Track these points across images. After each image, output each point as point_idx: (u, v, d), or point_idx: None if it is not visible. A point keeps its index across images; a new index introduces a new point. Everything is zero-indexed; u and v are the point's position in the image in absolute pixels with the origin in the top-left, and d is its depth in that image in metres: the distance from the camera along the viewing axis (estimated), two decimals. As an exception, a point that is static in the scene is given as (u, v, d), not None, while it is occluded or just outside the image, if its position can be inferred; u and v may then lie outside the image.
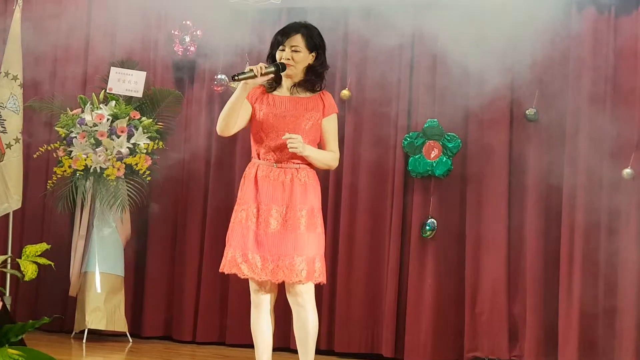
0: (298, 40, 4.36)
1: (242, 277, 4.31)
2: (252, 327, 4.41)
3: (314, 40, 4.40)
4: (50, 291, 6.77)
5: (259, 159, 4.40)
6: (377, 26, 6.26)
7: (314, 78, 4.40)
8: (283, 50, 4.37)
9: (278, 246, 4.24)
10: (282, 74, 4.39)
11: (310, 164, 4.38)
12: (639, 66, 5.74)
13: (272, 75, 4.35)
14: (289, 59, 4.35)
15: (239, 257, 4.28)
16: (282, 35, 4.41)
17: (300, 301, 4.27)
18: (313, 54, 4.40)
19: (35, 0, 7.05)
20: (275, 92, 4.44)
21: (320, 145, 4.44)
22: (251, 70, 4.28)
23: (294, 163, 4.34)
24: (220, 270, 4.39)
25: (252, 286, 4.37)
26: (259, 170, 4.38)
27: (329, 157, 4.42)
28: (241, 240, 4.30)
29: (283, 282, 4.31)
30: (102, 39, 6.89)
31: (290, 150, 4.25)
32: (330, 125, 4.42)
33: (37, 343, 4.40)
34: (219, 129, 4.42)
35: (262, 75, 4.29)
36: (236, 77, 4.29)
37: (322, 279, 4.30)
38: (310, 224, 4.28)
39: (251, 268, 4.25)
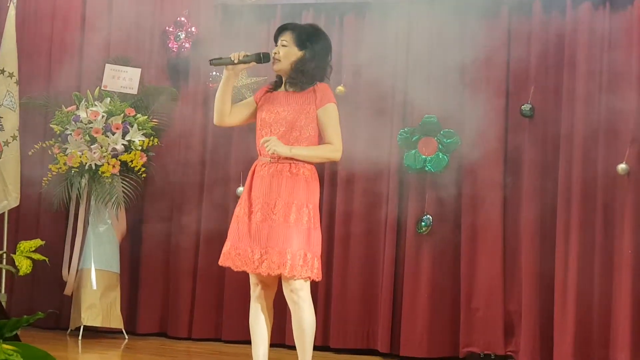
0: (287, 36, 4.41)
1: (235, 269, 4.35)
2: (250, 321, 4.44)
3: (303, 38, 4.40)
4: (46, 288, 6.76)
5: (260, 155, 4.43)
6: (372, 22, 6.27)
7: (297, 75, 4.38)
8: (277, 45, 4.43)
9: (266, 239, 4.25)
10: (273, 69, 4.43)
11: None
12: (634, 61, 5.75)
13: (252, 63, 4.40)
14: (275, 53, 4.40)
15: (232, 250, 4.34)
16: (277, 32, 4.49)
17: (295, 299, 4.26)
18: (302, 52, 4.39)
19: (30, -2, 7.05)
20: (276, 90, 4.48)
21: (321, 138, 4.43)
22: (229, 57, 4.35)
23: (287, 158, 4.33)
24: (218, 264, 4.44)
25: (252, 280, 4.41)
26: (257, 166, 4.42)
27: (324, 151, 4.38)
28: (235, 234, 4.35)
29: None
30: (96, 35, 6.88)
31: (268, 152, 4.28)
32: (325, 116, 4.36)
33: (33, 340, 4.39)
34: (214, 119, 4.53)
35: (239, 62, 4.35)
36: (213, 62, 4.37)
37: (308, 274, 4.25)
38: (298, 218, 4.27)
39: (243, 260, 4.29)
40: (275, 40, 4.45)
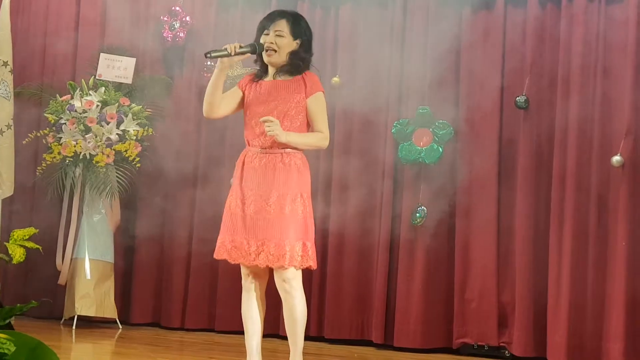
0: (283, 25, 4.35)
1: (232, 262, 4.34)
2: (243, 312, 4.43)
3: (300, 28, 4.37)
4: (39, 278, 6.76)
5: (249, 146, 4.41)
6: (367, 13, 6.26)
7: (297, 62, 4.35)
8: (267, 34, 4.35)
9: (262, 230, 4.24)
10: (266, 60, 4.37)
11: (297, 148, 4.35)
12: (629, 54, 5.74)
13: (247, 55, 4.34)
14: (272, 43, 4.33)
15: (228, 242, 4.31)
16: (268, 20, 4.40)
17: (287, 288, 4.26)
18: (297, 41, 4.37)
19: (24, -14, 7.03)
20: (262, 79, 4.43)
21: (310, 127, 4.41)
22: (225, 49, 4.27)
23: (278, 148, 4.31)
24: (214, 257, 4.41)
25: (243, 271, 4.39)
26: (247, 156, 4.39)
27: (314, 139, 4.37)
28: (230, 226, 4.32)
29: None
30: (91, 25, 6.86)
31: (268, 134, 4.23)
32: (315, 105, 4.34)
33: (27, 330, 4.40)
34: (204, 111, 4.47)
35: (236, 53, 4.28)
36: (209, 54, 4.28)
37: (309, 263, 4.27)
38: (293, 209, 4.25)
39: (240, 253, 4.27)
40: (264, 28, 4.37)
